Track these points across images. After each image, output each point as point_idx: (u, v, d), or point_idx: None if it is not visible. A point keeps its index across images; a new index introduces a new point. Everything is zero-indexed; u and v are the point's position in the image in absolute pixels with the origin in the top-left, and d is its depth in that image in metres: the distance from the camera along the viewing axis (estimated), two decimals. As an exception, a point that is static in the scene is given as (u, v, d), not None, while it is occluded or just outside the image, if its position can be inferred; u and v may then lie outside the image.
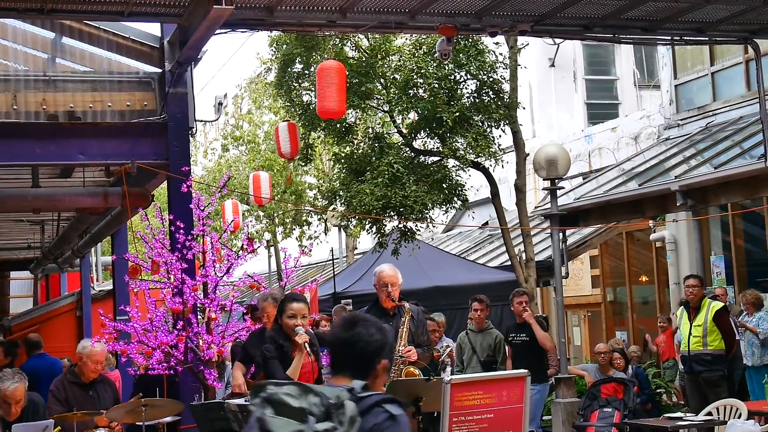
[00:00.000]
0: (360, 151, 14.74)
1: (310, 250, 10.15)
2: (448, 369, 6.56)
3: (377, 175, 13.61)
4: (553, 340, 11.31)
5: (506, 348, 10.89)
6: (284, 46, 14.60)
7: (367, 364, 3.47)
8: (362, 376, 3.40)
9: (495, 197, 14.68)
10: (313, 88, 14.43)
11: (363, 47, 14.74)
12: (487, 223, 21.46)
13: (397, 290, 7.53)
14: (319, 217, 25.80)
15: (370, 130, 15.28)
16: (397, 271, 7.65)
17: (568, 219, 14.96)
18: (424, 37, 13.65)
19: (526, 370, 6.18)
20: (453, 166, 14.38)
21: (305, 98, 14.87)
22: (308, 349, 6.66)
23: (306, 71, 14.58)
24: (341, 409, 3.09)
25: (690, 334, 10.80)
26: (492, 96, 14.08)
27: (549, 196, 14.48)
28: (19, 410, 6.74)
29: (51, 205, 12.65)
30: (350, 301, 14.50)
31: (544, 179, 14.72)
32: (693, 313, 10.84)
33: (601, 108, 23.50)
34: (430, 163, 14.54)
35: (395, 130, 15.00)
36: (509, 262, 15.14)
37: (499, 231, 15.80)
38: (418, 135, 14.59)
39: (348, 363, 3.44)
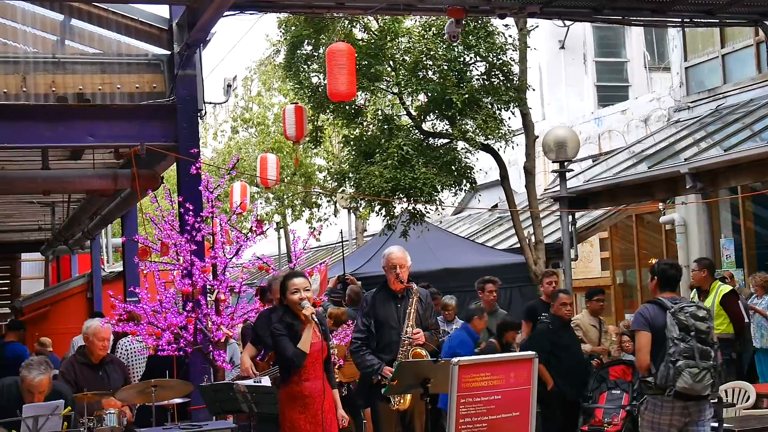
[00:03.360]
0: (369, 134, 14.72)
1: (320, 232, 10.17)
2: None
3: (386, 157, 13.60)
4: None
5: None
6: (293, 27, 14.56)
7: None
8: None
9: (504, 180, 14.65)
10: (322, 70, 14.39)
11: (372, 29, 14.69)
12: (496, 205, 21.45)
13: (406, 272, 7.53)
14: (328, 199, 25.81)
15: (380, 112, 15.24)
16: (406, 253, 7.64)
17: (577, 201, 14.95)
18: (434, 18, 13.61)
19: (534, 352, 6.18)
20: (462, 149, 14.35)
21: (314, 80, 14.84)
22: (316, 320, 6.69)
23: (315, 53, 14.54)
24: None
25: (698, 317, 10.76)
26: (501, 78, 14.03)
27: (558, 179, 14.49)
28: (42, 399, 6.67)
29: (61, 187, 12.69)
30: (360, 283, 14.52)
31: (553, 162, 14.74)
32: (703, 296, 10.83)
33: (611, 90, 23.39)
34: (439, 145, 14.50)
35: (404, 112, 14.96)
36: (518, 245, 15.13)
37: (509, 213, 15.78)
38: (428, 117, 14.56)
39: None
